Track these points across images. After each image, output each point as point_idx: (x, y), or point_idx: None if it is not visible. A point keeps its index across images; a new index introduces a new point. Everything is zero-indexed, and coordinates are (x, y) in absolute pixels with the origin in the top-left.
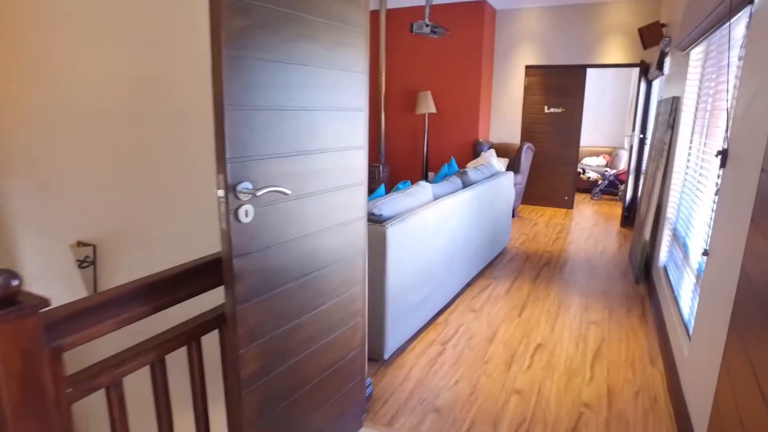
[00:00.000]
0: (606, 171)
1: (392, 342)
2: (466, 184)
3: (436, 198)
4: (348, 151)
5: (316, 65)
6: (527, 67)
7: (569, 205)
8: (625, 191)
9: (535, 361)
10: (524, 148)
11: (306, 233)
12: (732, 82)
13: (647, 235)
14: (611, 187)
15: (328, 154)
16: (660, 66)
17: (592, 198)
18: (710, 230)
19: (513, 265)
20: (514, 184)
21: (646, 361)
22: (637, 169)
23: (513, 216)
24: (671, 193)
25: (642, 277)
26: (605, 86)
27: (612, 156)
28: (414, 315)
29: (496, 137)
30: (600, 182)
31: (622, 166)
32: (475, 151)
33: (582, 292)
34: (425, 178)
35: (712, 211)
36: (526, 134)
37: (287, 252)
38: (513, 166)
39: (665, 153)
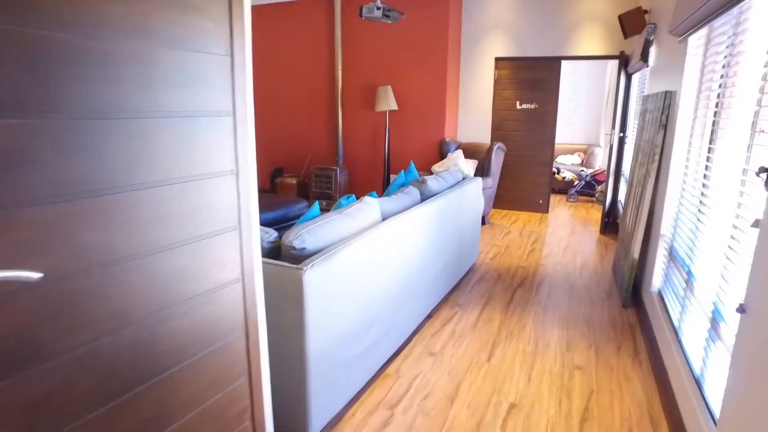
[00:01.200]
0: (582, 171)
1: (320, 414)
2: (425, 196)
3: (385, 217)
4: (206, 180)
5: (126, 37)
6: (497, 60)
7: (544, 209)
8: (603, 193)
9: (508, 430)
10: (495, 148)
11: (123, 324)
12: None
13: (636, 252)
14: (588, 188)
15: (163, 189)
16: (644, 56)
17: (568, 200)
18: (738, 275)
19: (482, 287)
20: (484, 189)
21: (647, 424)
22: (617, 171)
23: (483, 223)
24: (666, 205)
25: (630, 300)
26: (579, 80)
27: (587, 154)
28: (353, 372)
29: (465, 136)
30: (576, 183)
31: (598, 164)
32: (442, 152)
33: (562, 322)
34: (386, 183)
35: (733, 238)
36: (497, 133)
37: (76, 368)
38: (483, 169)
39: (657, 158)
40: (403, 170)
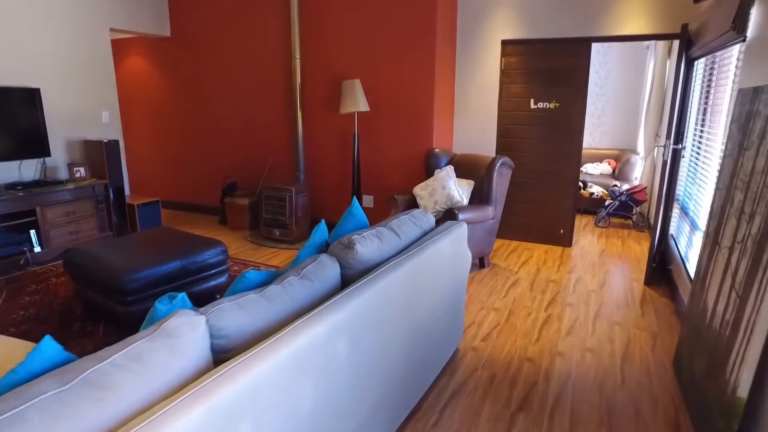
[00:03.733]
0: (615, 186)
1: None
2: (353, 271)
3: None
4: None
5: None
6: (505, 44)
7: (566, 241)
8: (644, 217)
9: None
10: (497, 165)
11: None
12: None
13: (743, 387)
14: (623, 210)
15: None
16: (740, 26)
17: (597, 224)
18: None
19: (461, 409)
20: (483, 222)
21: None
22: (669, 194)
23: (482, 266)
24: None
25: None
26: (610, 70)
27: (620, 162)
28: None
29: (462, 146)
30: (608, 203)
31: (636, 177)
32: (428, 167)
33: None
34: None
35: None
36: (504, 141)
37: None
38: (482, 193)
39: None
40: (317, 225)
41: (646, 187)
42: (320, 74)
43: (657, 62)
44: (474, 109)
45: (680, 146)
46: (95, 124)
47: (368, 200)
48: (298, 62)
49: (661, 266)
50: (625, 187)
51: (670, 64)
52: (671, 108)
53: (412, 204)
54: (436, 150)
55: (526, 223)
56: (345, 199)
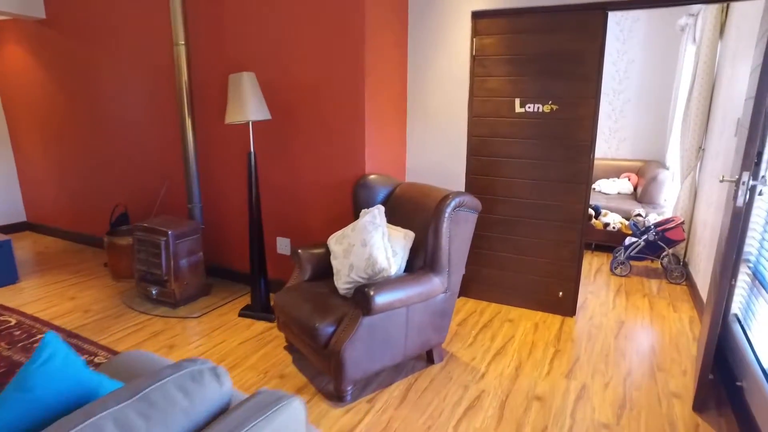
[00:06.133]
0: (639, 216)
1: None
2: None
3: None
4: None
5: None
6: (477, 16)
7: (568, 309)
8: (682, 267)
9: None
10: (447, 209)
11: None
12: None
13: None
14: (650, 251)
15: None
16: None
17: (613, 271)
18: None
19: None
20: (431, 298)
21: None
22: (733, 252)
23: (431, 362)
24: None
25: None
26: (631, 60)
27: (644, 177)
28: None
29: (418, 168)
30: (630, 243)
31: (663, 198)
32: (356, 204)
33: None
34: (257, 265)
35: None
36: (478, 161)
37: None
38: (425, 252)
39: None
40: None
41: (683, 222)
42: (216, 67)
43: (701, 46)
44: (434, 114)
45: (762, 181)
46: None
47: (284, 245)
48: (182, 50)
49: (721, 377)
50: (653, 217)
51: (723, 47)
52: (750, 123)
53: (325, 260)
54: (370, 177)
55: (510, 279)
56: (269, 239)
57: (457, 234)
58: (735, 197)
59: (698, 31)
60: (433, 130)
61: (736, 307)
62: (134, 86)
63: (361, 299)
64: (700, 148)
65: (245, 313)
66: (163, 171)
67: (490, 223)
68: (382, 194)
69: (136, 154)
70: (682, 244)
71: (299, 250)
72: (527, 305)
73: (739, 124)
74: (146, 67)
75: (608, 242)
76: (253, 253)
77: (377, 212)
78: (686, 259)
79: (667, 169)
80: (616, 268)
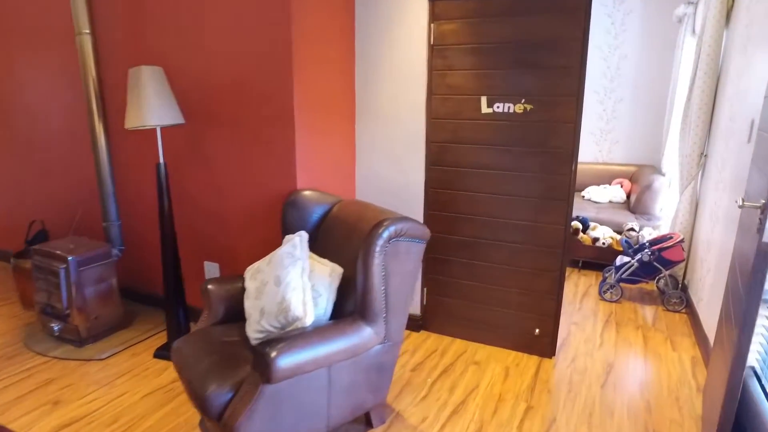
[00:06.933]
0: (632, 231)
1: None
2: None
3: None
4: None
5: None
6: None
7: (546, 349)
8: (681, 293)
9: None
10: (377, 240)
11: None
12: None
13: None
14: (645, 272)
15: None
16: None
17: (602, 295)
18: None
19: None
20: (363, 351)
21: None
22: (750, 287)
23: (370, 425)
24: None
25: None
26: (624, 55)
27: (638, 184)
28: None
29: (368, 180)
30: (620, 262)
31: (659, 208)
32: (285, 227)
33: None
34: (175, 299)
35: None
36: (439, 172)
37: None
38: (357, 295)
39: None
40: None
41: (682, 240)
42: (131, 61)
43: (703, 36)
44: (386, 116)
45: None
46: None
47: (213, 270)
48: (87, 40)
49: None
50: (647, 232)
51: (729, 37)
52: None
53: (239, 297)
54: (302, 194)
55: (478, 313)
56: (196, 264)
57: (396, 270)
58: (761, 230)
59: (699, 20)
60: (385, 135)
61: (753, 358)
62: (36, 88)
63: (259, 363)
64: (702, 154)
65: (161, 353)
66: (79, 184)
67: (454, 246)
68: (316, 214)
69: (53, 165)
70: (681, 265)
71: (209, 286)
72: (498, 343)
73: (754, 128)
74: (47, 63)
75: (597, 259)
76: (168, 280)
77: (298, 241)
78: (686, 281)
79: (663, 175)
80: (605, 292)
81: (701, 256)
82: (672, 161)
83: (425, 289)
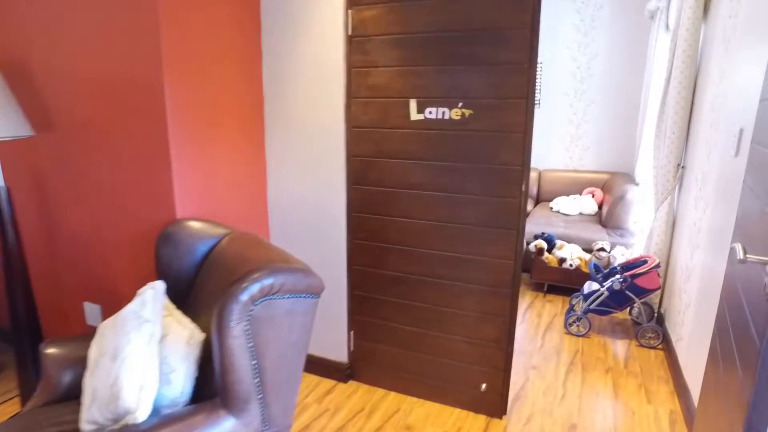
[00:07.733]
0: (603, 251)
1: None
2: None
3: None
4: None
5: None
6: None
7: (494, 407)
8: (659, 324)
9: None
10: (233, 310)
11: None
12: None
13: None
14: (615, 304)
15: None
16: None
17: (567, 328)
18: None
19: None
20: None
21: None
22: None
23: None
24: None
25: None
26: (595, 55)
27: (610, 194)
28: None
29: (281, 205)
30: (589, 290)
31: (632, 221)
32: (159, 267)
33: None
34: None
35: None
36: (362, 192)
37: None
38: (217, 382)
39: None
40: None
41: (658, 265)
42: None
43: (678, 31)
44: (299, 124)
45: None
46: None
47: (94, 312)
48: None
49: None
50: (619, 252)
51: (708, 30)
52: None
53: (83, 363)
54: (184, 225)
55: (415, 362)
56: (75, 305)
57: (272, 338)
58: None
59: (673, 13)
60: (299, 147)
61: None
62: None
63: None
64: (679, 165)
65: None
66: None
67: (385, 282)
68: (200, 252)
69: None
70: (657, 292)
71: (47, 350)
72: (439, 399)
73: (743, 139)
74: None
75: (564, 283)
76: (20, 335)
77: (150, 296)
78: (662, 310)
79: (637, 185)
80: (571, 325)
81: (679, 285)
82: (646, 170)
83: (352, 332)
